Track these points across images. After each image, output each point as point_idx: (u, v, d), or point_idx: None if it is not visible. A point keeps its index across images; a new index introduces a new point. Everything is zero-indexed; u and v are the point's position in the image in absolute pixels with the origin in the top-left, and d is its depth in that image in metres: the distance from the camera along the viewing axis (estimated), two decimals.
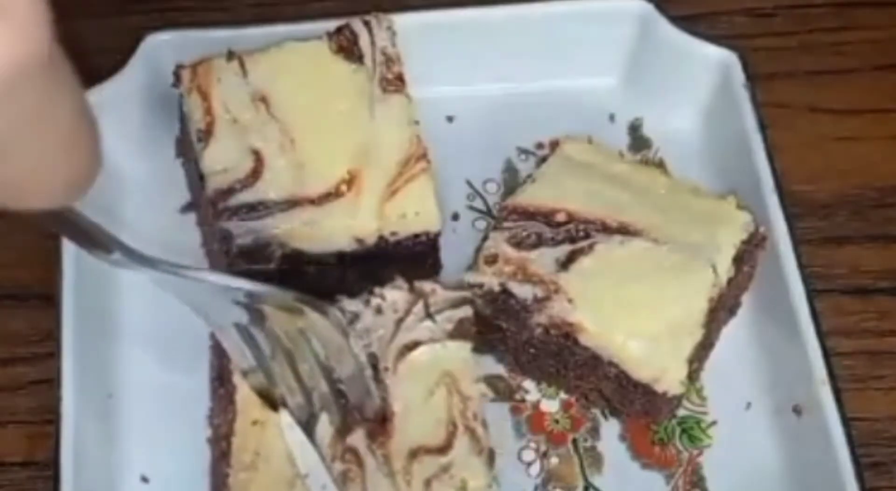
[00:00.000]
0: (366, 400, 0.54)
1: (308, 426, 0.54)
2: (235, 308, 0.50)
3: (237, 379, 0.55)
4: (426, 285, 0.58)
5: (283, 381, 0.53)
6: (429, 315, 0.57)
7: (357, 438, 0.54)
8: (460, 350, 0.56)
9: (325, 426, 0.54)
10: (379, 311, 0.57)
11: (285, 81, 0.62)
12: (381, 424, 0.54)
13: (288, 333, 0.52)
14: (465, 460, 0.54)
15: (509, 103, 0.71)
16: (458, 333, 0.57)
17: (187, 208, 0.67)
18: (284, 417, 0.54)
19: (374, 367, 0.55)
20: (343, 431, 0.54)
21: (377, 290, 0.57)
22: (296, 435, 0.53)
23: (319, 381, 0.53)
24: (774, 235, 0.62)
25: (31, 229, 0.66)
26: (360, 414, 0.54)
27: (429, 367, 0.56)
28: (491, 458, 0.55)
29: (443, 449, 0.54)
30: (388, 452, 0.54)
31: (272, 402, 0.53)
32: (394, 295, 0.57)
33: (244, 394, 0.54)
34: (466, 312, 0.57)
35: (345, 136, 0.61)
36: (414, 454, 0.54)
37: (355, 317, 0.57)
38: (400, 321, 0.56)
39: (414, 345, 0.56)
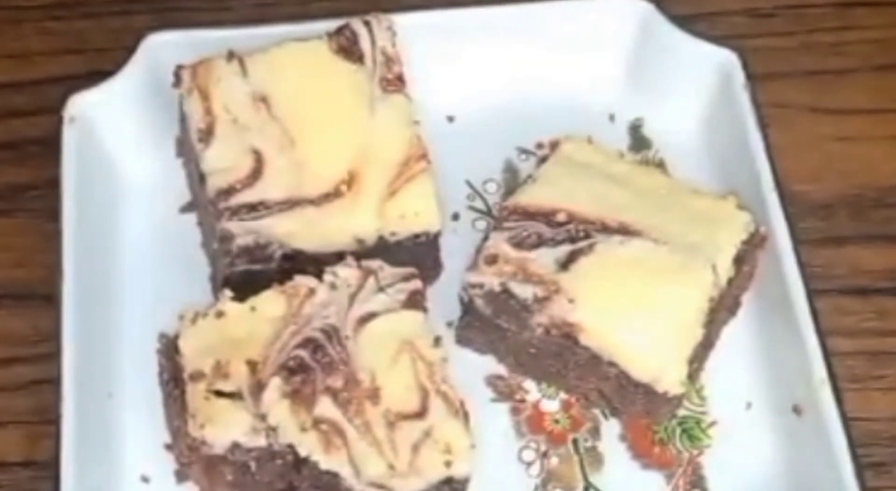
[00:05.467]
0: (338, 365, 0.55)
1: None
2: None
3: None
4: (373, 263, 0.58)
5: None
6: (380, 289, 0.58)
7: (327, 408, 0.54)
8: (415, 318, 0.57)
9: (273, 392, 0.54)
10: (333, 286, 0.58)
11: (285, 81, 0.62)
12: (344, 388, 0.54)
13: None
14: (445, 423, 0.55)
15: (509, 103, 0.71)
16: (410, 303, 0.57)
17: (187, 208, 0.67)
18: None
19: (331, 337, 0.56)
20: (305, 399, 0.54)
21: (329, 268, 0.58)
22: None
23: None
24: (774, 235, 0.62)
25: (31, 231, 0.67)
26: (323, 381, 0.55)
27: (387, 336, 0.56)
28: (466, 418, 0.55)
29: (420, 414, 0.55)
30: (368, 421, 0.54)
31: None
32: (345, 272, 0.58)
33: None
34: (416, 285, 0.58)
35: (345, 136, 0.61)
36: (392, 422, 0.54)
37: (312, 292, 0.57)
38: (354, 295, 0.57)
39: (370, 316, 0.57)
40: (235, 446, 0.55)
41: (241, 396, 0.55)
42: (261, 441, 0.54)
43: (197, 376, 0.55)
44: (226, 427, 0.54)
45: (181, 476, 0.59)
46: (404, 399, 0.55)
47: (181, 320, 0.57)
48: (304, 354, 0.55)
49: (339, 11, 0.67)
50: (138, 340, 0.63)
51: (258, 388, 0.54)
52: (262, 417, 0.54)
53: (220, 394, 0.55)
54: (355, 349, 0.56)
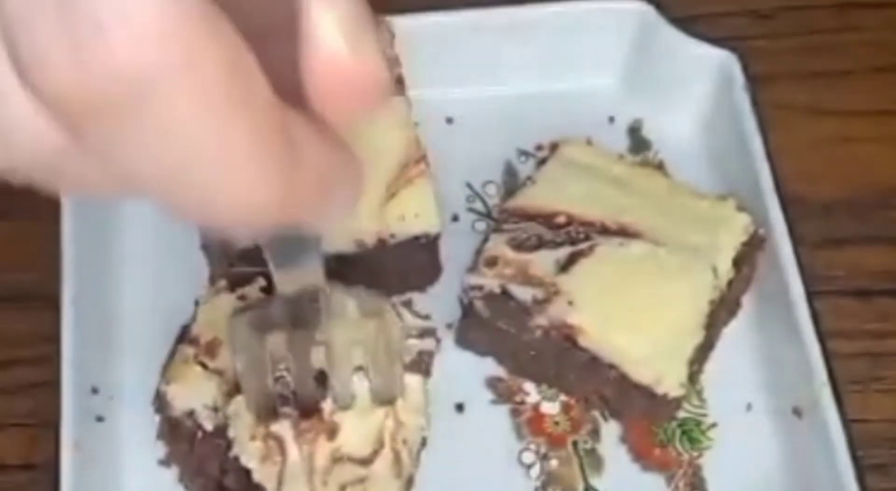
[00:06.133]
0: (305, 391, 0.53)
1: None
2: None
3: None
4: (397, 307, 0.57)
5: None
6: None
7: (283, 428, 0.53)
8: (412, 381, 0.55)
9: (239, 404, 0.54)
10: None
11: None
12: (306, 417, 0.53)
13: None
14: (383, 478, 0.53)
15: (509, 105, 0.71)
16: (414, 366, 0.56)
17: None
18: None
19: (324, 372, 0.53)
20: (265, 417, 0.53)
21: None
22: None
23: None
24: (774, 237, 0.62)
25: (31, 232, 0.67)
26: (289, 402, 0.53)
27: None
28: (409, 485, 0.54)
29: (365, 461, 0.53)
30: (314, 450, 0.53)
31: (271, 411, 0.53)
32: None
33: None
34: (429, 344, 0.57)
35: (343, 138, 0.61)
36: (337, 458, 0.53)
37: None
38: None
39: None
40: (191, 414, 0.55)
41: (219, 373, 0.54)
42: (209, 425, 0.54)
43: (191, 341, 0.55)
44: (189, 391, 0.54)
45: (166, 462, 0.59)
46: (358, 445, 0.54)
47: (210, 288, 0.57)
48: (290, 379, 0.53)
49: None
50: (138, 341, 0.63)
51: (235, 387, 0.54)
52: (225, 400, 0.54)
53: (202, 365, 0.55)
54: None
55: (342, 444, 0.53)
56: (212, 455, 0.55)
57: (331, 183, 0.29)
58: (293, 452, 0.53)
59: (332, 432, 0.53)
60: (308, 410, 0.53)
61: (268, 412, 0.52)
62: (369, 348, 0.51)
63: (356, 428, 0.54)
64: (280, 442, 0.53)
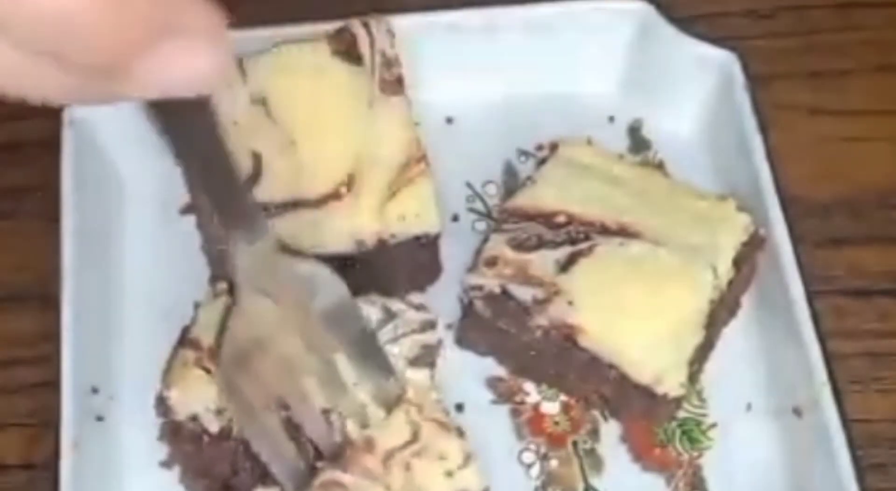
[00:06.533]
0: (324, 435, 0.54)
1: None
2: None
3: None
4: (395, 304, 0.57)
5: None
6: (394, 339, 0.56)
7: (329, 473, 0.54)
8: (421, 379, 0.56)
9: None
10: None
11: (284, 83, 0.62)
12: (340, 455, 0.54)
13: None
14: (435, 439, 0.54)
15: (509, 105, 0.71)
16: (420, 360, 0.56)
17: (187, 210, 0.67)
18: None
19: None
20: (306, 483, 0.54)
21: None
22: None
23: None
24: (774, 237, 0.62)
25: (31, 231, 0.67)
26: (316, 453, 0.54)
27: None
28: (460, 434, 0.55)
29: (411, 441, 0.54)
30: (364, 466, 0.54)
31: None
32: (366, 310, 0.56)
33: None
34: (431, 338, 0.57)
35: (344, 138, 0.61)
36: (389, 457, 0.54)
37: None
38: None
39: None
40: (195, 418, 0.55)
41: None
42: (214, 427, 0.54)
43: (190, 344, 0.55)
44: (191, 395, 0.54)
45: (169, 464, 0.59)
46: (398, 439, 0.55)
47: (210, 290, 0.57)
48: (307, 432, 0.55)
49: (338, 13, 0.67)
50: (138, 341, 0.63)
51: None
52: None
53: (204, 368, 0.55)
54: None
55: (384, 447, 0.54)
56: (221, 457, 0.55)
57: (169, 23, 0.31)
58: (349, 480, 0.53)
59: (370, 445, 0.54)
60: (338, 451, 0.54)
61: (305, 478, 0.53)
62: (353, 355, 0.53)
63: (387, 429, 0.55)
64: (334, 482, 0.54)
